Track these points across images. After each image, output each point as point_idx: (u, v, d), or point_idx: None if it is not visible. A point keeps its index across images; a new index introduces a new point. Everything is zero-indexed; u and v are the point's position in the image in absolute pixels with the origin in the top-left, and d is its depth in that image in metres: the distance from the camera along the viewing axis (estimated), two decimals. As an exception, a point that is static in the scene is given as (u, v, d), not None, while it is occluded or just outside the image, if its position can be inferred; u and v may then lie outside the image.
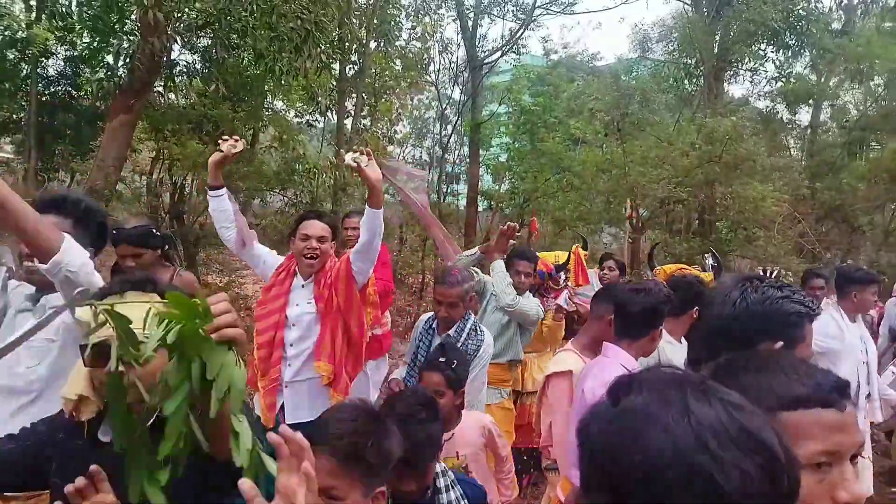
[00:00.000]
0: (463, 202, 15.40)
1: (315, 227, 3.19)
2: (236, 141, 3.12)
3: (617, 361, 2.39)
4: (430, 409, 2.12)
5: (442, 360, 2.69)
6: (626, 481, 0.72)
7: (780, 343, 1.29)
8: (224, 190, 3.26)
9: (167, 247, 3.30)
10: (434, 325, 3.43)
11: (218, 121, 8.03)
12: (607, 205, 12.60)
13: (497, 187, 15.40)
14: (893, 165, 13.16)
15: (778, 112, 16.27)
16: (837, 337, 3.39)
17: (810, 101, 15.51)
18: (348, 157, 3.04)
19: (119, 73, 7.19)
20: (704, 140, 11.48)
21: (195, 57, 9.10)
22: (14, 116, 10.54)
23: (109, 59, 7.86)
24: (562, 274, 4.90)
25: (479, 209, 14.49)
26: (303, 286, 3.22)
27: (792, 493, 0.73)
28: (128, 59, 6.80)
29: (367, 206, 3.09)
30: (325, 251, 3.21)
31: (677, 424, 0.72)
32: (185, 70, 8.83)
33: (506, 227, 3.93)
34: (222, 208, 3.25)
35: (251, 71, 7.85)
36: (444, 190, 14.66)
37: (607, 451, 0.77)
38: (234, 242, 3.31)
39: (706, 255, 5.53)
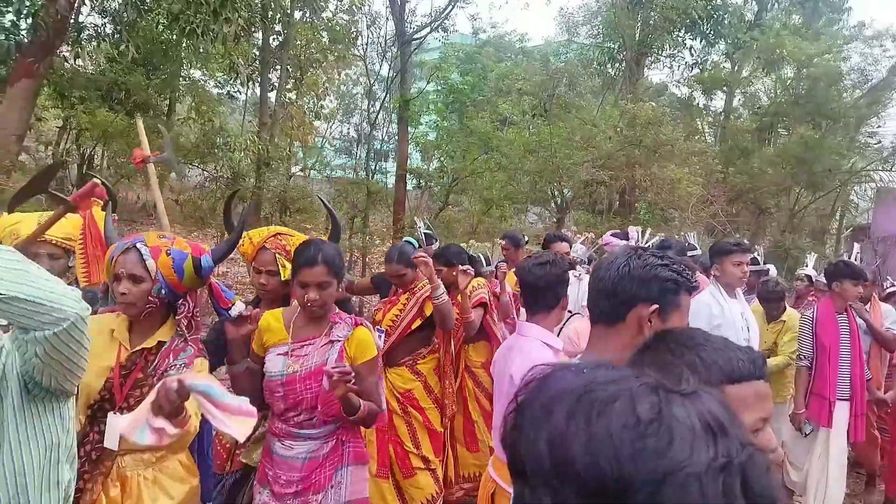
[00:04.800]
0: (391, 180, 15.31)
1: None
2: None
3: (538, 340, 2.38)
4: None
5: None
6: None
7: (656, 306, 1.38)
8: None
9: None
10: None
11: (130, 88, 7.64)
12: (534, 185, 12.83)
13: (426, 165, 15.39)
14: (799, 151, 14.02)
15: (695, 99, 16.96)
16: (719, 315, 3.49)
17: (724, 88, 16.23)
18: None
19: (20, 34, 6.68)
20: (627, 124, 11.86)
21: (105, 20, 8.58)
22: None
23: (8, 18, 7.30)
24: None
25: (408, 187, 14.42)
26: None
27: None
28: (30, 19, 6.32)
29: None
30: None
31: None
32: (94, 34, 8.31)
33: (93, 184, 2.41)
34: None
35: (166, 36, 7.48)
36: (373, 167, 14.53)
37: None
38: None
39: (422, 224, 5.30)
